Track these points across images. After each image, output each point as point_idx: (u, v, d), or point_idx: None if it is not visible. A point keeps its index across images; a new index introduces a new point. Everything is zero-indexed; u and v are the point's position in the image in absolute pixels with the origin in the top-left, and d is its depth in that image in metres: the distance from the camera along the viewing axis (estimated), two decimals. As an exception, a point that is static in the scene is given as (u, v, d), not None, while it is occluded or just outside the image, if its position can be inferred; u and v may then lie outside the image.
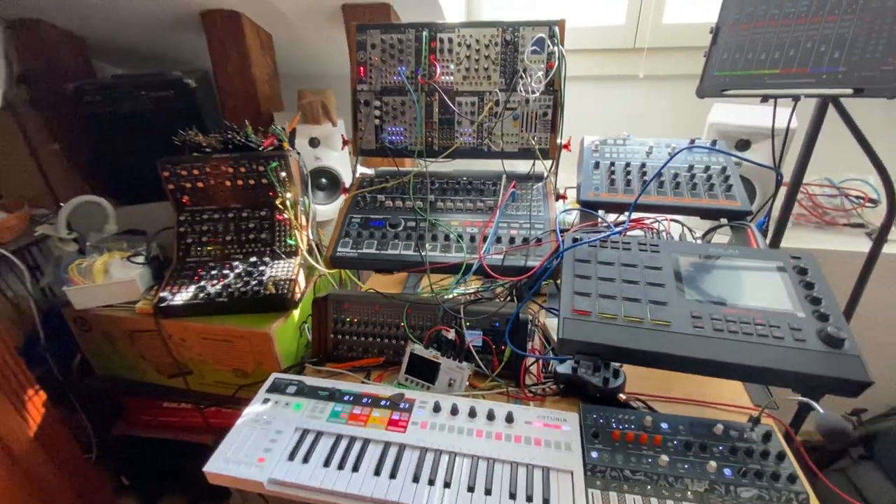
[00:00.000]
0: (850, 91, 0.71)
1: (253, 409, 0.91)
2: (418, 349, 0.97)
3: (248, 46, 1.53)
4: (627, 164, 1.15)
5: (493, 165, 1.23)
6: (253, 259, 1.25)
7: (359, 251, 1.06)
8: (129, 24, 1.61)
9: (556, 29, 1.09)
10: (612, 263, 0.90)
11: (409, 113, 1.18)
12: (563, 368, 0.97)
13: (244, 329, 1.16)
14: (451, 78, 1.15)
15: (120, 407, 1.47)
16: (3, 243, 1.40)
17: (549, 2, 1.76)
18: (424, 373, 0.97)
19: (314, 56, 1.85)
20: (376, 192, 1.18)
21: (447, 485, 0.77)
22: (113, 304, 1.26)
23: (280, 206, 1.27)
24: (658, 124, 1.64)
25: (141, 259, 1.29)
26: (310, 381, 0.98)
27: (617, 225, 1.04)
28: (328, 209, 1.58)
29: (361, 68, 1.18)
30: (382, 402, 0.91)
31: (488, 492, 0.75)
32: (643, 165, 1.15)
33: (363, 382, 1.01)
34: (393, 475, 0.78)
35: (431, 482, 0.77)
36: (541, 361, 1.04)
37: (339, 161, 1.53)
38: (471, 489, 0.76)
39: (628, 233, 1.03)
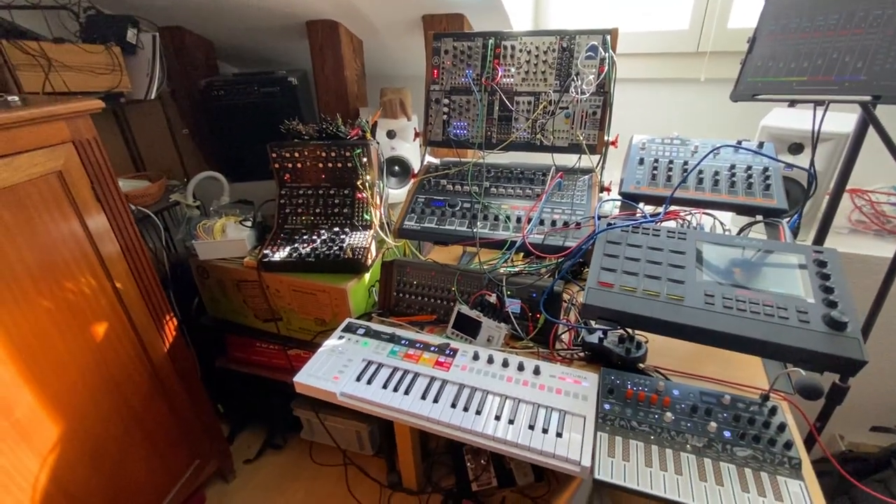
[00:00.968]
0: (868, 98, 0.77)
1: (330, 343, 1.14)
2: (464, 309, 1.15)
3: (342, 51, 1.79)
4: (671, 162, 1.24)
5: (544, 159, 1.37)
6: (336, 229, 1.50)
7: (421, 225, 1.26)
8: (249, 30, 1.94)
9: (608, 37, 1.21)
10: (639, 246, 1.02)
11: (472, 110, 1.36)
12: (591, 338, 1.10)
13: (326, 284, 1.41)
14: (512, 80, 1.32)
15: (223, 344, 1.80)
16: (147, 205, 1.78)
17: (613, 10, 1.86)
18: (468, 329, 1.15)
19: (395, 59, 2.09)
20: (440, 177, 1.38)
21: (478, 412, 0.94)
22: (226, 258, 1.58)
23: (360, 186, 1.51)
24: (715, 127, 1.68)
25: (249, 223, 1.59)
26: (376, 326, 1.19)
27: (653, 216, 1.15)
28: (398, 193, 1.80)
29: (435, 71, 1.38)
30: (432, 348, 1.11)
31: (511, 421, 0.92)
32: (685, 163, 1.23)
33: (417, 332, 1.21)
34: (436, 400, 0.97)
35: (466, 409, 0.95)
36: (572, 332, 1.18)
37: (411, 151, 1.74)
38: (497, 418, 0.93)
39: (663, 224, 1.13)
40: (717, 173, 1.19)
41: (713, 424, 0.87)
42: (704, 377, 1.06)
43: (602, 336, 1.10)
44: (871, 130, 1.17)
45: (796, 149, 1.33)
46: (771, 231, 1.09)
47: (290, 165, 1.54)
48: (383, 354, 1.10)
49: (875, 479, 1.38)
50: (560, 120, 1.30)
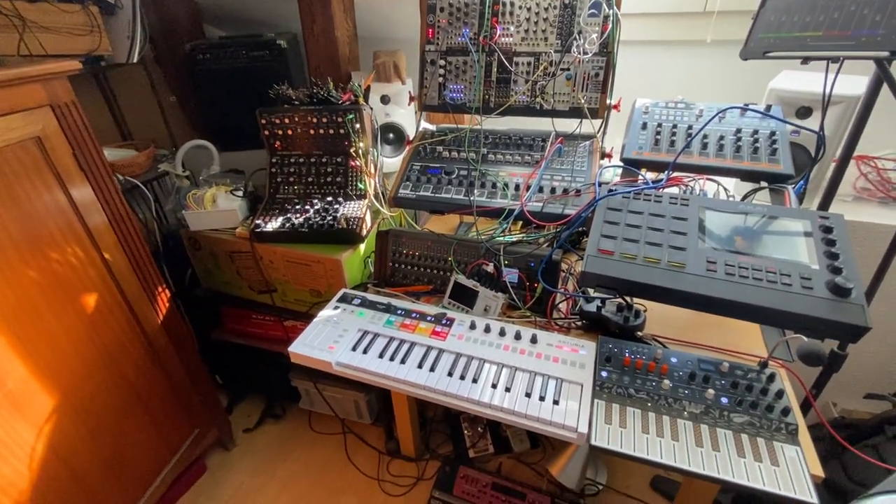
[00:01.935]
0: (886, 53, 0.73)
1: (326, 313, 1.13)
2: (461, 278, 1.13)
3: (332, 11, 1.70)
4: (674, 126, 1.20)
5: (543, 126, 1.32)
6: (329, 198, 1.46)
7: (417, 193, 1.22)
8: (234, -10, 1.84)
9: (613, -7, 1.15)
10: (640, 213, 0.99)
11: (469, 72, 1.31)
12: (589, 307, 1.09)
13: (320, 255, 1.39)
14: (511, 39, 1.25)
15: (218, 316, 1.79)
16: (135, 175, 1.73)
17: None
18: (464, 298, 1.13)
19: (388, 19, 2.00)
20: (436, 143, 1.33)
21: (475, 381, 0.93)
22: (218, 229, 1.54)
23: (353, 154, 1.47)
24: (720, 91, 1.62)
25: (240, 193, 1.55)
26: (371, 296, 1.18)
27: (655, 182, 1.12)
28: (393, 162, 1.75)
29: (430, 30, 1.32)
30: (428, 318, 1.09)
31: (508, 389, 0.91)
32: (690, 128, 1.19)
33: (413, 302, 1.20)
34: (432, 369, 0.97)
35: (462, 377, 0.94)
36: (569, 302, 1.16)
37: (406, 118, 1.69)
38: (494, 386, 0.92)
39: (665, 190, 1.10)
40: (721, 138, 1.16)
41: (711, 391, 0.87)
42: (703, 345, 1.05)
43: (600, 305, 1.08)
44: (881, 94, 1.12)
45: (804, 113, 1.28)
46: (776, 197, 1.07)
47: (280, 132, 1.49)
48: (379, 324, 1.08)
49: (867, 444, 1.40)
50: (561, 82, 1.24)
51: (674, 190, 1.13)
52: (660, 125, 1.21)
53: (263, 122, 1.48)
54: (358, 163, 1.47)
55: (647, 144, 1.19)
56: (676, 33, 1.65)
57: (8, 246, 1.00)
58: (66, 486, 1.18)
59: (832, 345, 1.23)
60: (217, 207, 1.52)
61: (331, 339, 1.05)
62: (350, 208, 1.44)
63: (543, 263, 1.10)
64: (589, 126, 1.27)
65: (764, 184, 1.09)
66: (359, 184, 1.48)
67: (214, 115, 1.88)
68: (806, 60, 0.86)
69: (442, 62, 1.32)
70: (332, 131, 1.47)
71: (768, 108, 1.18)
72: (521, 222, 1.25)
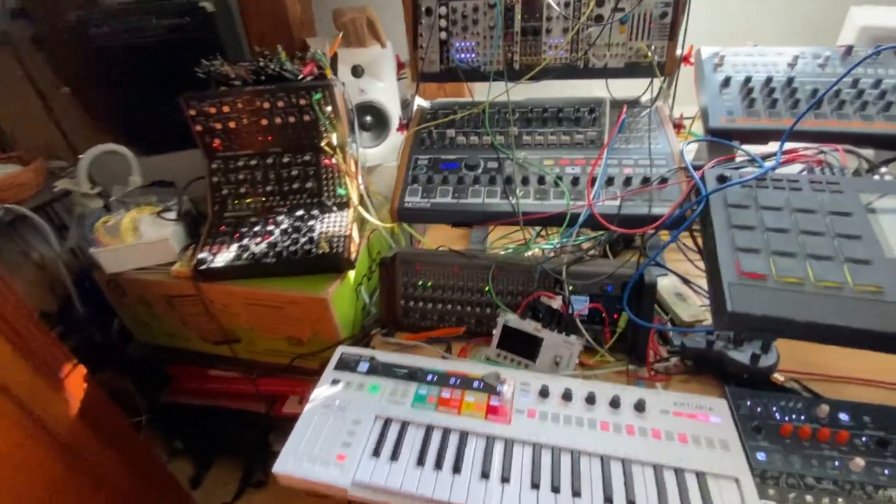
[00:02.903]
0: None
1: (322, 392, 0.76)
2: (513, 320, 0.79)
3: (271, -45, 1.26)
4: (769, 80, 0.89)
5: (582, 90, 0.98)
6: (299, 212, 1.07)
7: (431, 200, 0.86)
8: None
9: None
10: (780, 209, 0.68)
11: (482, 21, 0.93)
12: (694, 342, 0.78)
13: (295, 293, 1.01)
14: (541, -30, 0.89)
15: (166, 374, 1.37)
16: (22, 200, 1.26)
17: None
18: (521, 348, 0.80)
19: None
20: (444, 126, 0.96)
21: (577, 494, 0.61)
22: (147, 267, 1.12)
23: (326, 148, 1.07)
24: (768, 32, 1.32)
25: (172, 215, 1.13)
26: (382, 356, 0.82)
27: (765, 158, 0.81)
28: (374, 153, 1.37)
29: (421, -35, 0.92)
30: (475, 384, 0.75)
31: (631, 503, 0.59)
32: (790, 81, 0.88)
33: (444, 357, 0.85)
34: (505, 479, 0.63)
35: (556, 489, 0.61)
36: (652, 333, 0.85)
37: (387, 94, 1.29)
38: (608, 500, 0.60)
39: (779, 170, 0.79)
40: (839, 93, 0.86)
41: (927, 470, 0.59)
42: (853, 379, 0.77)
43: (711, 338, 0.78)
44: None
45: (911, 52, 1.00)
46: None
47: (219, 126, 1.07)
48: (405, 405, 0.73)
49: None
50: (614, 29, 0.90)
51: (790, 169, 0.82)
52: (749, 79, 0.90)
53: (193, 113, 1.05)
54: (334, 160, 1.08)
55: (737, 108, 0.87)
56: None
57: None
58: None
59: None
60: (141, 238, 1.09)
61: (338, 442, 0.69)
62: (330, 223, 1.06)
63: (628, 288, 0.77)
64: (639, 87, 0.94)
65: (910, 150, 0.81)
66: (338, 188, 1.09)
67: (124, 108, 1.41)
68: None
69: (442, 9, 0.93)
70: (292, 119, 1.06)
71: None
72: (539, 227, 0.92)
